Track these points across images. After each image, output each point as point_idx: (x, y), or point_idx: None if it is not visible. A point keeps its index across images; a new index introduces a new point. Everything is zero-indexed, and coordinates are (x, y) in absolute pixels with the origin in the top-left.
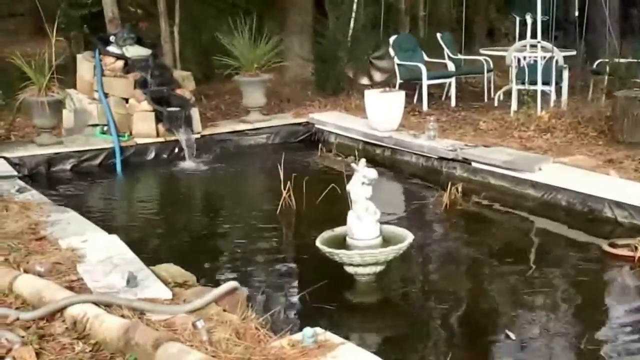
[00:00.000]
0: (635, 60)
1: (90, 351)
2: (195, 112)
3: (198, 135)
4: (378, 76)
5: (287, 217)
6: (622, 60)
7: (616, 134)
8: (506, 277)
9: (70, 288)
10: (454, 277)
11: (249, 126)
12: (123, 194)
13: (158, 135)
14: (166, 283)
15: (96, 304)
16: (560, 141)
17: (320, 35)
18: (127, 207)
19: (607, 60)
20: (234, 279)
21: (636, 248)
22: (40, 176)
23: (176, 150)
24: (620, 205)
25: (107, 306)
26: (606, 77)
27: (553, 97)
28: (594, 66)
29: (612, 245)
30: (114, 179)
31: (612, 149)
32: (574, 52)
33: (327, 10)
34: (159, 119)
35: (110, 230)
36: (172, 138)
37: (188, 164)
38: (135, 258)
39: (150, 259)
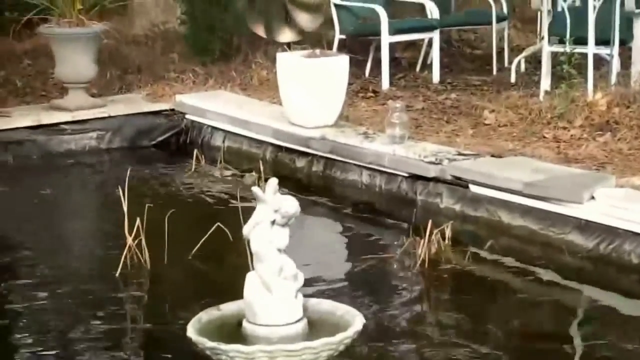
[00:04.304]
0: None
1: None
2: None
3: None
4: (301, 26)
5: (135, 284)
6: None
7: None
8: None
9: None
10: None
11: (67, 117)
12: None
13: None
14: None
15: None
16: (629, 147)
17: None
18: None
19: None
20: None
21: None
22: None
23: None
24: None
25: None
26: None
27: (616, 67)
28: None
29: None
30: None
31: None
32: None
33: None
34: None
35: None
36: None
37: None
38: None
39: None
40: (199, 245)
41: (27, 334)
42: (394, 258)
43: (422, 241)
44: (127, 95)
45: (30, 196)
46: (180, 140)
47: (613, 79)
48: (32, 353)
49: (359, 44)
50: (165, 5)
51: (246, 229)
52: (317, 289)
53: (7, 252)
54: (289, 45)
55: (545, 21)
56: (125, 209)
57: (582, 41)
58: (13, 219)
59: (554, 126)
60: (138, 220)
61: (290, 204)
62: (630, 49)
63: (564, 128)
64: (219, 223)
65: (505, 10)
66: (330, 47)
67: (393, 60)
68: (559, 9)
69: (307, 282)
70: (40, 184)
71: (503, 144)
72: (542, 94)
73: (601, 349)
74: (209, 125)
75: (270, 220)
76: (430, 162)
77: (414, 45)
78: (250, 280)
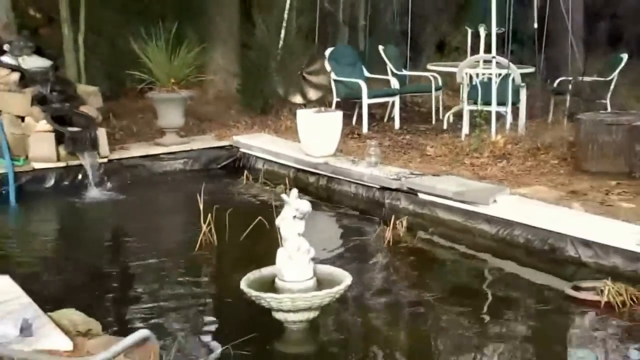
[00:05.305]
0: (602, 79)
1: None
2: (102, 133)
3: (105, 160)
4: (312, 93)
5: (207, 256)
6: (586, 78)
7: (580, 162)
8: (455, 324)
9: None
10: (397, 324)
11: (164, 150)
12: (17, 227)
13: (59, 159)
14: (67, 332)
15: None
16: (518, 169)
17: (247, 46)
18: (22, 242)
19: (569, 78)
20: (145, 327)
21: (602, 292)
22: None
23: (80, 176)
24: (585, 243)
25: None
26: (569, 98)
27: (509, 119)
28: (555, 85)
29: (575, 288)
30: (6, 210)
31: (576, 178)
32: (532, 69)
33: (254, 17)
34: (59, 140)
35: (1, 270)
36: (75, 163)
37: (93, 192)
38: (30, 302)
39: (48, 304)
40: (247, 231)
41: (137, 287)
42: (371, 240)
43: (388, 229)
44: (202, 136)
45: (140, 201)
46: (236, 165)
47: (507, 127)
48: (143, 295)
49: (349, 104)
50: (227, 79)
51: (277, 221)
52: (322, 259)
53: (124, 237)
54: (305, 105)
55: (465, 90)
56: (201, 208)
57: (488, 103)
58: (131, 213)
59: (471, 156)
60: (209, 216)
61: (306, 205)
62: (518, 108)
63: (477, 157)
64: (260, 217)
65: (440, 83)
66: (330, 106)
67: (370, 114)
68: (474, 82)
69: (316, 255)
70: (147, 193)
71: (439, 167)
72: (463, 136)
73: (499, 295)
74: (254, 155)
75: (293, 215)
76: (394, 179)
77: (383, 105)
78: (280, 253)
